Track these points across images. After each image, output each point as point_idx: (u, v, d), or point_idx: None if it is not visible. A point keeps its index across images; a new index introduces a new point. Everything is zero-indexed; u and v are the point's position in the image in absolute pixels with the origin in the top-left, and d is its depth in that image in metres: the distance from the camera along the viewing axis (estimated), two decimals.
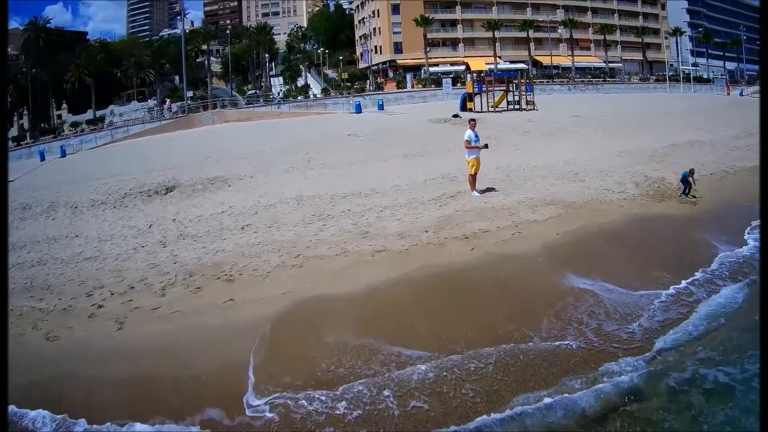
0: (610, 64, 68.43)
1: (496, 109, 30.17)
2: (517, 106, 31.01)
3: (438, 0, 65.03)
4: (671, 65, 67.97)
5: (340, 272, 6.78)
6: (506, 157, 14.40)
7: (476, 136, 10.21)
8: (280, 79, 66.63)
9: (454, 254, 7.17)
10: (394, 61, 63.33)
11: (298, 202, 10.81)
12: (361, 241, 7.82)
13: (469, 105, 30.60)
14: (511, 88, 32.15)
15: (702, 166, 10.99)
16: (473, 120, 10.33)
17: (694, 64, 63.58)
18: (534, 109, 30.60)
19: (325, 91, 54.45)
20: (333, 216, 9.45)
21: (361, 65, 69.60)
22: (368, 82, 60.17)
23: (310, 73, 68.07)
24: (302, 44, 73.07)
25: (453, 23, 65.46)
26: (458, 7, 65.77)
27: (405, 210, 9.43)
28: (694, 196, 8.86)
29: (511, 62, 61.39)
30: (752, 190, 9.14)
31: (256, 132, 25.49)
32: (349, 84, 56.27)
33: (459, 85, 47.37)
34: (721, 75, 64.90)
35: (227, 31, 71.94)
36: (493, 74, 36.10)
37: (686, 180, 9.05)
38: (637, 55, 72.10)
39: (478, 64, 35.48)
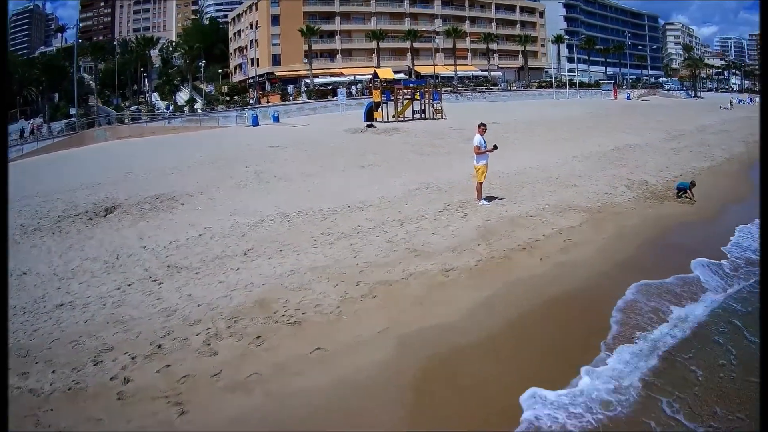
0: (488, 73, 73.90)
1: (399, 119, 30.39)
2: (421, 115, 31.85)
3: (317, 11, 65.85)
4: (546, 72, 77.10)
5: (426, 298, 6.10)
6: (467, 165, 14.73)
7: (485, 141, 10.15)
8: (157, 94, 64.23)
9: (527, 267, 6.98)
10: (273, 73, 62.97)
11: (286, 219, 9.73)
12: (417, 260, 7.16)
13: (376, 114, 30.97)
14: (416, 97, 32.68)
15: (666, 168, 12.57)
16: (484, 125, 10.25)
17: (571, 70, 71.17)
18: (442, 117, 32.01)
19: (209, 104, 53.71)
20: (347, 234, 8.59)
21: (237, 78, 68.43)
22: (254, 94, 59.01)
23: (186, 87, 65.76)
24: (174, 58, 72.76)
25: (331, 34, 66.57)
26: (337, 18, 67.04)
27: (428, 223, 8.95)
28: (687, 196, 9.96)
29: (393, 72, 63.67)
30: (729, 188, 10.71)
31: (162, 147, 23.12)
32: (227, 98, 55.87)
33: (356, 95, 48.56)
34: (609, 80, 74.03)
35: (113, 45, 69.50)
36: (402, 82, 36.91)
37: (684, 189, 10.12)
38: (514, 63, 79.20)
39: (387, 72, 36.14)
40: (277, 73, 63.04)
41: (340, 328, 5.46)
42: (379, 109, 31.18)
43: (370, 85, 49.77)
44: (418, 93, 33.18)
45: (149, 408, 4.30)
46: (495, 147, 10.09)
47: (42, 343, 5.21)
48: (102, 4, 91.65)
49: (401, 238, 8.09)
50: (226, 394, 4.44)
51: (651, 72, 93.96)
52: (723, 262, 7.25)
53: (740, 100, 60.10)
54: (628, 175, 11.85)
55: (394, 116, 30.81)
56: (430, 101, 32.88)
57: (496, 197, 10.60)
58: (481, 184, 10.18)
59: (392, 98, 31.84)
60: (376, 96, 32.05)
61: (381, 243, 7.95)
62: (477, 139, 10.05)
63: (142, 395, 4.44)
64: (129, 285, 6.73)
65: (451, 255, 7.34)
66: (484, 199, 10.19)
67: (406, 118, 31.07)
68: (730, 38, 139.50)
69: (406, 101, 32.24)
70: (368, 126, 26.93)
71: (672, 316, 5.66)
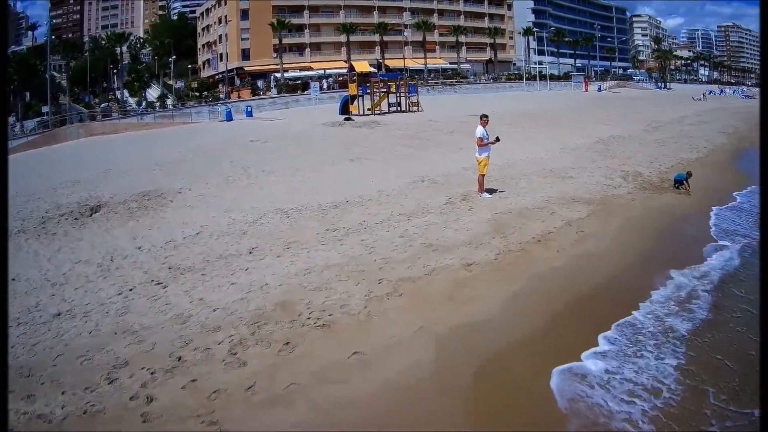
0: (455, 65, 73.90)
1: (376, 112, 30.17)
2: (398, 108, 31.74)
3: (286, 5, 64.99)
4: (514, 64, 77.93)
5: (454, 294, 5.92)
6: (458, 157, 14.72)
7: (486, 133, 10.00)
8: (126, 91, 63.07)
9: (546, 260, 6.90)
10: (242, 68, 62.12)
11: (285, 215, 9.37)
12: (435, 255, 6.96)
13: (351, 108, 30.60)
14: (392, 90, 32.45)
15: (656, 160, 12.85)
16: (485, 116, 10.09)
17: (539, 63, 71.52)
18: (419, 110, 31.88)
19: (179, 100, 53.16)
20: (355, 229, 8.31)
21: (206, 73, 67.27)
22: (223, 90, 58.09)
23: (155, 83, 64.66)
24: (142, 55, 72.65)
25: (300, 28, 65.91)
26: (306, 12, 66.25)
27: (436, 217, 8.76)
28: (684, 188, 10.18)
29: None
30: (721, 178, 11.05)
31: (138, 143, 22.35)
32: (197, 94, 55.49)
33: (326, 89, 48.26)
34: (578, 72, 74.88)
35: (83, 42, 68.07)
36: (379, 75, 36.54)
37: (681, 181, 10.33)
38: (482, 56, 79.53)
39: (363, 65, 35.92)
40: (246, 68, 62.11)
41: (372, 330, 5.18)
42: (355, 102, 30.84)
43: (347, 77, 49.74)
44: (393, 86, 32.88)
45: (181, 429, 3.90)
46: (497, 139, 9.97)
47: (45, 360, 4.67)
48: (71, 1, 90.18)
49: (414, 233, 7.86)
50: (266, 409, 4.09)
51: (619, 64, 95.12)
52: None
53: (711, 92, 61.96)
54: (621, 167, 12.04)
55: (369, 109, 30.53)
56: (406, 94, 32.67)
57: (496, 190, 10.51)
58: (483, 176, 10.04)
59: (368, 91, 31.43)
60: (353, 89, 31.62)
61: (394, 238, 7.69)
62: (479, 130, 9.89)
63: (171, 415, 4.03)
64: (130, 290, 6.21)
65: (468, 249, 7.16)
66: (486, 191, 10.07)
67: (382, 111, 30.78)
68: (697, 30, 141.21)
69: (381, 94, 31.89)
70: (346, 119, 26.60)
71: None
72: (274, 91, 55.37)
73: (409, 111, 31.75)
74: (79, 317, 5.50)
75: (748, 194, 10.35)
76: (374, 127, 23.31)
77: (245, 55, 62.62)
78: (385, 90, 32.24)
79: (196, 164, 13.89)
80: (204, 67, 69.31)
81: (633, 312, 5.57)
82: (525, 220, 8.33)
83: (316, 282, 6.19)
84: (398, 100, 32.41)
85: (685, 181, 10.25)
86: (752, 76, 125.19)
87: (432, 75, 69.93)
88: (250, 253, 7.42)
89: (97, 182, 11.47)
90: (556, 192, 10.00)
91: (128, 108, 52.22)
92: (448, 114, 28.15)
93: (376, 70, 58.47)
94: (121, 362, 4.63)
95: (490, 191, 10.26)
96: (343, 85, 51.92)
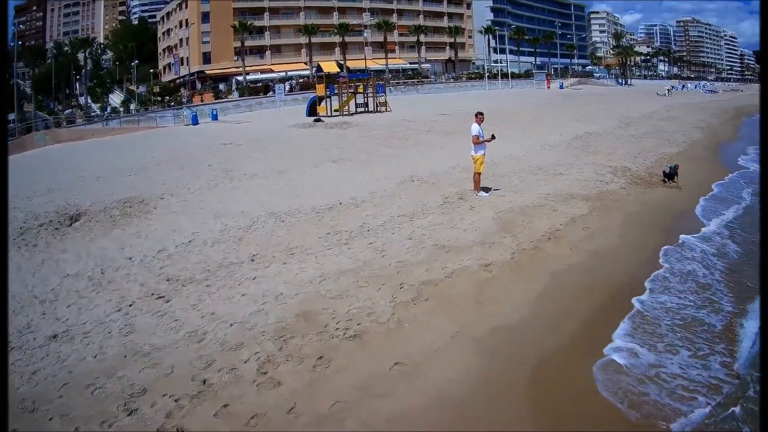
0: (415, 65, 74.28)
1: (344, 113, 29.96)
2: (365, 108, 31.58)
3: (247, 7, 64.55)
4: (473, 63, 79.02)
5: (480, 296, 5.81)
6: (440, 156, 14.72)
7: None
8: (89, 97, 62.52)
9: (561, 257, 6.90)
10: (203, 71, 61.61)
11: (280, 219, 9.03)
12: (449, 256, 6.81)
13: (319, 109, 30.32)
14: (359, 90, 32.26)
15: (640, 155, 13.26)
16: (481, 113, 10.02)
17: (497, 61, 72.72)
18: (387, 110, 31.78)
19: (142, 105, 52.81)
20: (357, 232, 8.08)
21: (167, 78, 66.76)
22: (186, 93, 57.55)
23: (117, 89, 64.51)
24: (104, 61, 73.07)
25: (260, 30, 65.69)
26: (267, 14, 65.95)
27: (438, 217, 8.62)
28: (675, 182, 10.48)
29: (320, 68, 63.12)
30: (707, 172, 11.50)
31: (107, 149, 21.39)
32: (159, 98, 55.31)
33: (290, 91, 48.43)
34: (539, 70, 76.38)
35: (46, 49, 67.02)
36: (348, 75, 36.19)
37: (669, 173, 10.65)
38: (442, 55, 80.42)
39: (330, 66, 35.69)
40: (207, 72, 61.61)
41: (406, 338, 4.94)
42: (323, 103, 30.53)
43: (308, 79, 49.03)
44: (361, 86, 32.62)
45: None
46: (493, 136, 9.92)
47: (49, 391, 4.13)
48: (34, 8, 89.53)
49: (422, 234, 7.66)
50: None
51: (577, 61, 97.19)
52: None
53: (674, 87, 63.48)
54: (608, 163, 12.35)
55: (336, 110, 30.26)
56: (374, 94, 32.50)
57: (490, 188, 10.48)
58: (479, 174, 9.98)
59: (336, 92, 31.08)
60: (320, 90, 31.21)
61: (402, 240, 7.46)
62: (475, 128, 9.82)
63: None
64: (130, 305, 5.66)
65: (482, 249, 7.05)
66: (482, 190, 10.01)
67: (350, 112, 30.51)
68: (655, 25, 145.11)
69: (349, 94, 31.58)
70: (315, 121, 26.35)
71: None
72: (235, 94, 54.95)
73: (378, 111, 31.62)
74: (79, 339, 4.92)
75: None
76: (347, 127, 22.97)
77: (206, 58, 62.31)
78: (352, 90, 31.94)
79: (172, 169, 13.15)
80: (164, 72, 68.40)
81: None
82: (529, 218, 8.31)
83: (334, 289, 5.86)
84: (366, 101, 32.19)
85: (675, 176, 10.59)
86: (712, 70, 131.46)
87: (391, 75, 70.19)
88: (252, 260, 6.99)
89: (72, 190, 10.59)
90: (551, 189, 10.08)
91: (92, 114, 51.42)
92: (418, 113, 28.16)
93: (342, 71, 58.23)
94: (138, 390, 4.16)
95: (486, 189, 10.22)
96: (305, 87, 53.95)
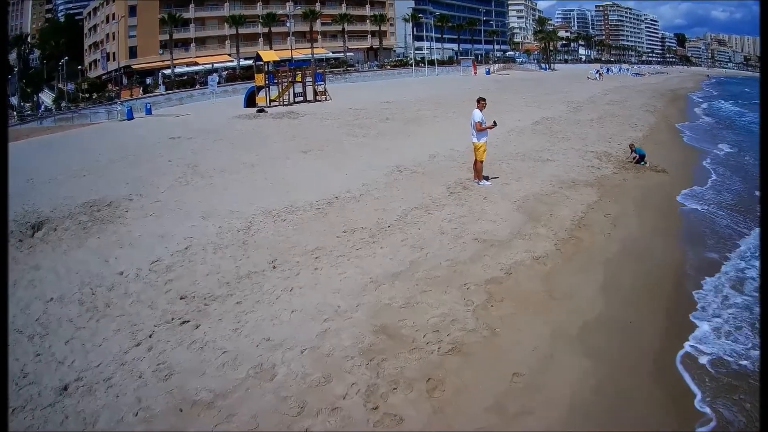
0: (339, 54, 72.90)
1: (284, 103, 29.06)
2: (302, 98, 30.77)
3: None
4: (394, 51, 79.02)
5: (551, 291, 5.59)
6: (414, 144, 14.30)
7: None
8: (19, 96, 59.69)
9: (600, 246, 6.88)
10: (130, 66, 59.39)
11: (280, 218, 8.26)
12: (496, 251, 6.49)
13: (258, 99, 29.24)
14: (298, 79, 31.30)
15: (612, 139, 13.81)
16: (483, 99, 9.64)
17: (419, 48, 73.72)
18: (327, 99, 30.83)
19: (73, 102, 51.45)
20: (376, 229, 7.47)
21: (94, 74, 64.16)
22: (115, 89, 55.51)
23: (48, 88, 61.70)
24: (31, 60, 70.84)
25: (186, 23, 63.01)
26: (192, 6, 63.50)
27: (457, 209, 8.21)
28: (657, 166, 10.92)
29: (245, 59, 61.63)
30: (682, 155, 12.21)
31: (48, 149, 18.21)
32: (87, 95, 53.79)
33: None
34: (463, 57, 77.65)
35: None
36: (288, 64, 34.39)
37: (642, 155, 11.12)
38: (363, 44, 79.88)
39: (270, 54, 34.19)
40: (133, 66, 59.25)
41: (505, 344, 4.49)
42: (261, 93, 29.28)
43: (232, 72, 46.51)
44: (299, 75, 31.18)
45: None
46: (494, 123, 9.63)
47: None
48: None
49: (452, 228, 7.19)
50: None
51: (498, 47, 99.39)
52: None
53: (602, 70, 64.49)
54: (586, 148, 12.69)
55: (273, 100, 29.18)
56: (314, 83, 31.30)
57: (488, 176, 10.20)
58: (481, 163, 9.65)
59: (276, 81, 29.81)
60: (259, 80, 29.85)
61: (435, 236, 6.93)
62: (478, 114, 9.46)
63: None
64: (149, 335, 4.53)
65: (523, 241, 6.73)
66: (486, 179, 9.69)
67: (289, 102, 29.14)
68: (572, 10, 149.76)
69: (287, 83, 30.11)
70: (259, 111, 24.98)
71: None
72: (162, 88, 53.01)
73: (317, 100, 30.49)
74: (102, 389, 3.77)
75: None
76: (296, 117, 21.72)
77: (133, 52, 60.03)
78: (290, 80, 30.49)
79: (128, 166, 11.57)
80: (91, 68, 66.24)
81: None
82: (549, 207, 8.18)
83: (397, 297, 5.18)
84: (304, 90, 30.90)
85: (641, 154, 11.15)
86: (632, 53, 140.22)
87: (317, 65, 68.60)
88: (274, 267, 6.04)
89: (25, 195, 8.69)
90: (549, 176, 10.07)
91: (26, 113, 50.25)
92: (361, 102, 27.49)
93: (281, 59, 56.52)
94: None
95: (485, 178, 9.91)
96: (232, 79, 53.45)
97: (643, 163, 11.05)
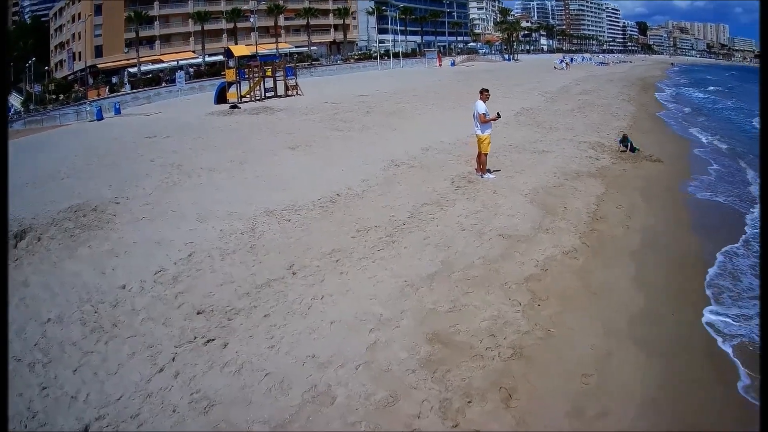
0: (303, 49, 71.49)
1: (255, 98, 28.36)
2: (273, 93, 30.09)
3: None
4: (357, 44, 78.13)
5: (588, 286, 5.46)
6: (401, 137, 13.98)
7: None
8: None
9: (620, 238, 6.87)
10: (95, 65, 57.88)
11: (284, 218, 7.84)
12: (524, 246, 6.35)
13: (230, 95, 28.39)
14: (268, 74, 30.48)
15: (599, 129, 13.90)
16: (486, 90, 9.40)
17: (382, 41, 72.37)
18: (299, 93, 30.09)
19: (41, 104, 49.88)
20: (392, 227, 7.15)
21: (60, 74, 61.94)
22: (81, 89, 53.37)
23: (15, 90, 58.22)
24: None
25: (150, 20, 61.66)
26: (156, 3, 62.02)
27: (470, 203, 8.00)
28: (651, 156, 11.02)
29: (210, 55, 60.87)
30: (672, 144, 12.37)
31: (21, 152, 16.71)
32: (54, 97, 52.42)
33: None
34: (429, 49, 76.63)
35: None
36: (259, 59, 33.26)
37: (630, 145, 11.23)
38: (326, 38, 78.95)
39: (241, 49, 33.26)
40: (99, 65, 58.33)
41: (562, 345, 4.34)
42: (232, 89, 28.37)
43: (200, 68, 44.94)
44: (269, 70, 30.20)
45: None
46: (498, 115, 9.40)
47: None
48: None
49: (472, 224, 6.96)
50: None
51: (459, 38, 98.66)
52: None
53: (563, 59, 64.19)
54: (578, 138, 12.76)
55: (243, 96, 28.38)
56: (285, 78, 30.40)
57: (490, 169, 9.99)
58: (486, 156, 9.41)
59: (247, 77, 29.01)
60: (230, 75, 28.95)
61: (456, 233, 6.66)
62: (481, 106, 9.22)
63: None
64: (172, 359, 3.97)
65: (547, 236, 6.58)
66: (490, 172, 9.46)
67: (260, 97, 28.26)
68: (532, 1, 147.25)
69: (257, 79, 29.11)
70: (232, 107, 24.11)
71: None
72: (128, 86, 51.86)
73: (288, 95, 29.65)
74: (130, 429, 3.17)
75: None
76: (272, 112, 20.92)
77: (98, 52, 58.79)
78: (260, 75, 29.50)
79: (107, 167, 10.86)
80: (57, 69, 63.54)
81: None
82: (561, 199, 8.08)
83: (441, 301, 4.88)
84: (275, 85, 29.96)
85: (628, 140, 11.28)
86: (594, 43, 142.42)
87: (288, 58, 67.32)
88: (294, 273, 5.59)
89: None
90: (551, 167, 10.00)
91: None
92: (334, 96, 26.92)
93: (223, 59, 55.29)
94: None
95: (488, 171, 9.69)
96: (198, 75, 53.22)
97: (635, 150, 11.16)
